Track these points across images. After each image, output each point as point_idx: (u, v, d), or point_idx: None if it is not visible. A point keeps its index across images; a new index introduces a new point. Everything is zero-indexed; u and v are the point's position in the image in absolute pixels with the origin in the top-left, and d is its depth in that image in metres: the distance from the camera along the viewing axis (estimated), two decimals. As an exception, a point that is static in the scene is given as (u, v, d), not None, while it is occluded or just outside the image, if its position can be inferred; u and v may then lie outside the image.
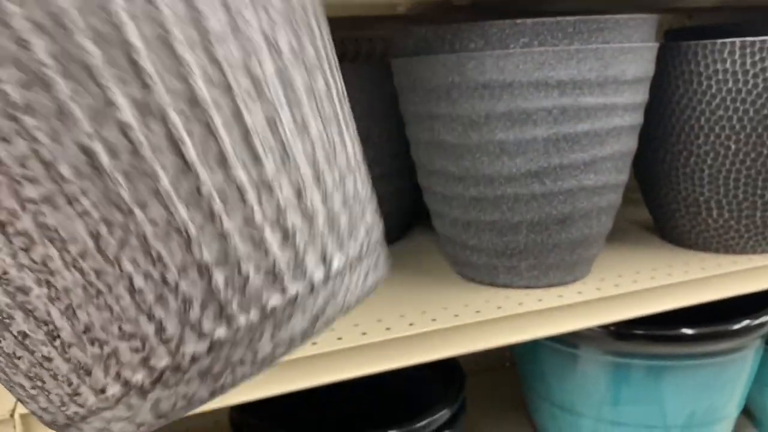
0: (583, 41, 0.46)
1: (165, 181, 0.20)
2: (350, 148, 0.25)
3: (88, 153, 0.19)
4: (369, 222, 0.25)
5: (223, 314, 0.22)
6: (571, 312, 0.53)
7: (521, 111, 0.48)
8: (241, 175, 0.21)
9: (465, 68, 0.48)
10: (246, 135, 0.21)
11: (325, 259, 0.23)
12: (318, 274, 0.23)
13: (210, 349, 0.22)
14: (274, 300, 0.22)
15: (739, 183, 0.57)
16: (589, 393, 0.67)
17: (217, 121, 0.20)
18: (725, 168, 0.56)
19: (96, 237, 0.20)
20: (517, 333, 0.51)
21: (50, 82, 0.18)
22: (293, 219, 0.22)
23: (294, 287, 0.22)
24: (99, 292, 0.20)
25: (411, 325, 0.49)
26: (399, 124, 0.67)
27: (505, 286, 0.56)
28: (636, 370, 0.64)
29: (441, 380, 0.66)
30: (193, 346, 0.22)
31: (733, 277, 0.58)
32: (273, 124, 0.22)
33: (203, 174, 0.20)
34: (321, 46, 0.24)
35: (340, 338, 0.47)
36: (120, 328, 0.21)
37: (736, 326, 0.62)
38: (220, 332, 0.22)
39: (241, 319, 0.22)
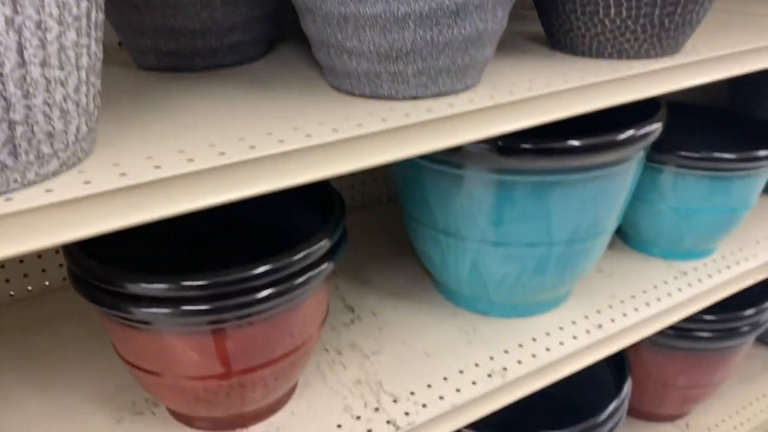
0: None
1: (7, 68, 0.31)
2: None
3: None
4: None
5: (15, 152, 0.33)
6: (463, 121, 0.47)
7: None
8: (49, 73, 0.33)
9: None
10: (60, 51, 0.33)
11: (78, 131, 0.36)
12: (71, 138, 0.36)
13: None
14: (46, 149, 0.34)
15: (643, -27, 0.51)
16: (473, 215, 0.63)
17: (49, 38, 0.32)
18: (630, -45, 0.50)
19: None
20: (405, 146, 0.44)
21: None
22: (69, 105, 0.34)
23: (59, 145, 0.35)
24: None
25: (281, 142, 0.41)
26: None
27: (390, 97, 0.49)
28: (521, 187, 0.60)
29: (317, 208, 0.59)
30: None
31: (629, 82, 0.54)
32: (74, 47, 0.34)
33: (30, 69, 0.32)
34: None
35: (191, 159, 0.38)
36: None
37: (622, 137, 0.59)
38: (9, 162, 0.33)
39: (23, 158, 0.33)
